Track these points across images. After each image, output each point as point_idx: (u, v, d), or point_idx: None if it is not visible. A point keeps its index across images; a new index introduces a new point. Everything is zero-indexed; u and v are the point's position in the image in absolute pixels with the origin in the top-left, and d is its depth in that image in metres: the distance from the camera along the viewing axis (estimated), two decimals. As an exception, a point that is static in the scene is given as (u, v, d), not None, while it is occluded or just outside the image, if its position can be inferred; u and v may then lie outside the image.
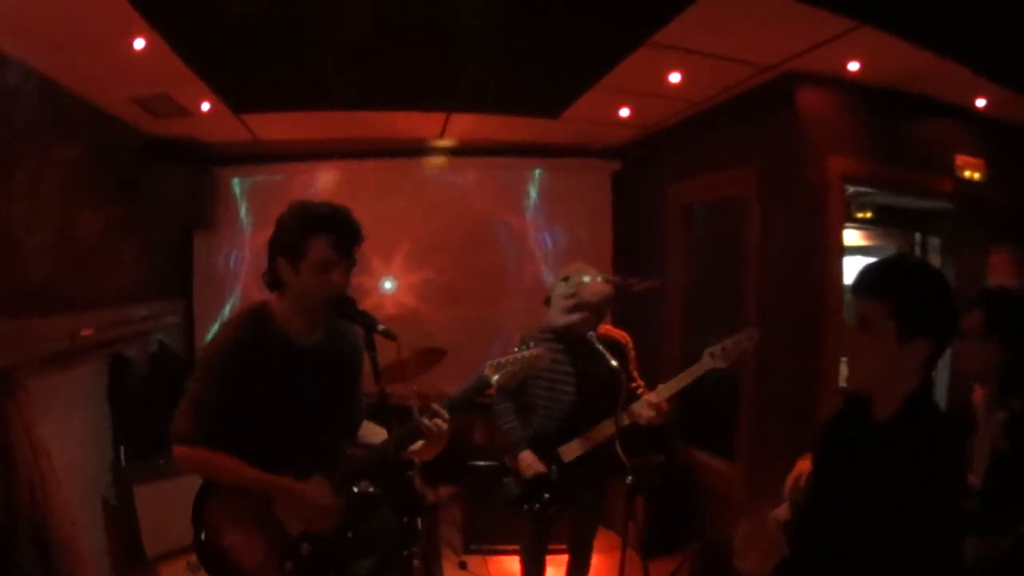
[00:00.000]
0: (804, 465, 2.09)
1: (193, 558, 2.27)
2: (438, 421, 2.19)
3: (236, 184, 5.34)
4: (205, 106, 4.07)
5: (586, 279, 3.08)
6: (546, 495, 3.11)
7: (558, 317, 3.10)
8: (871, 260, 1.77)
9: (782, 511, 2.10)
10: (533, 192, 5.54)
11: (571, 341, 3.10)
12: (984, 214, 4.25)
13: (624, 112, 4.43)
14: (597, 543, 3.44)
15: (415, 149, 5.32)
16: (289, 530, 2.16)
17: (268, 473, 2.11)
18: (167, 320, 4.95)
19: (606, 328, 3.25)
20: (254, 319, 2.18)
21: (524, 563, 3.37)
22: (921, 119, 3.87)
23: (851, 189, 4.10)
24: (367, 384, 2.31)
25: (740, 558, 2.31)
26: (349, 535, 2.23)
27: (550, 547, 3.37)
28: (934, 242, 5.05)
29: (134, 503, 3.95)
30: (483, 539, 4.45)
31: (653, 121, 4.72)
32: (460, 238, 5.47)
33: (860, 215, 4.88)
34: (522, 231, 5.53)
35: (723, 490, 4.17)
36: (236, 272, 5.38)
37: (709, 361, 2.92)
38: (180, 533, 2.37)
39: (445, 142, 5.25)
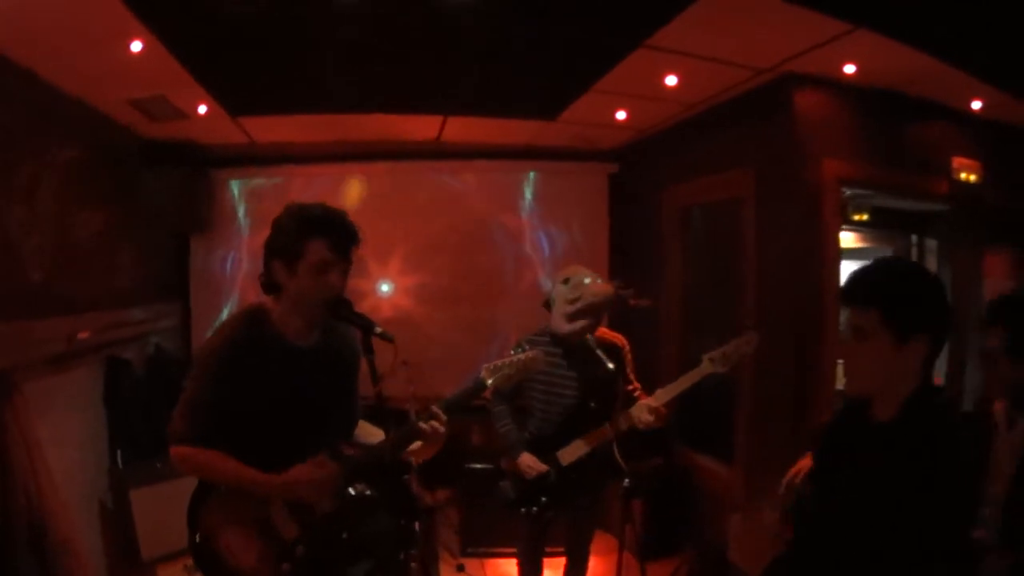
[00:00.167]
0: (804, 463, 2.08)
1: (190, 562, 2.26)
2: (435, 423, 2.19)
3: (234, 187, 5.34)
4: (202, 109, 4.07)
5: (587, 280, 3.08)
6: (543, 498, 3.11)
7: (562, 324, 3.08)
8: (867, 263, 1.76)
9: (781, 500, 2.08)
10: (530, 194, 5.54)
11: (569, 344, 3.10)
12: (980, 216, 4.25)
13: (621, 114, 4.43)
14: (594, 546, 3.44)
15: (412, 152, 5.32)
16: (284, 533, 2.15)
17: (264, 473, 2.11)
18: (164, 323, 4.94)
19: (602, 331, 3.25)
20: (251, 320, 2.18)
21: (521, 566, 3.37)
22: (918, 121, 3.88)
23: (848, 191, 4.11)
24: (364, 387, 2.31)
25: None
26: (345, 537, 2.22)
27: (547, 550, 3.37)
28: (931, 244, 5.07)
29: (131, 506, 3.93)
30: (480, 542, 4.45)
31: (650, 123, 4.73)
32: (457, 241, 5.46)
33: (857, 217, 4.88)
34: (519, 233, 5.52)
35: (721, 493, 4.17)
36: (233, 275, 5.37)
37: (708, 366, 2.92)
38: (177, 536, 2.35)
39: (442, 145, 5.25)
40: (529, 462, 3.08)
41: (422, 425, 2.18)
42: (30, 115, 3.33)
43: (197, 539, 2.14)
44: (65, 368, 3.67)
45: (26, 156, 3.30)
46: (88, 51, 3.12)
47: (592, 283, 3.07)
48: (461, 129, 4.87)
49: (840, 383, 3.36)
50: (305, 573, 2.15)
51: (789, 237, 3.68)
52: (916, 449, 1.58)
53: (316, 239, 2.08)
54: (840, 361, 2.81)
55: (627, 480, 2.82)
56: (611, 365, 2.84)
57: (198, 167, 4.95)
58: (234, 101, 4.04)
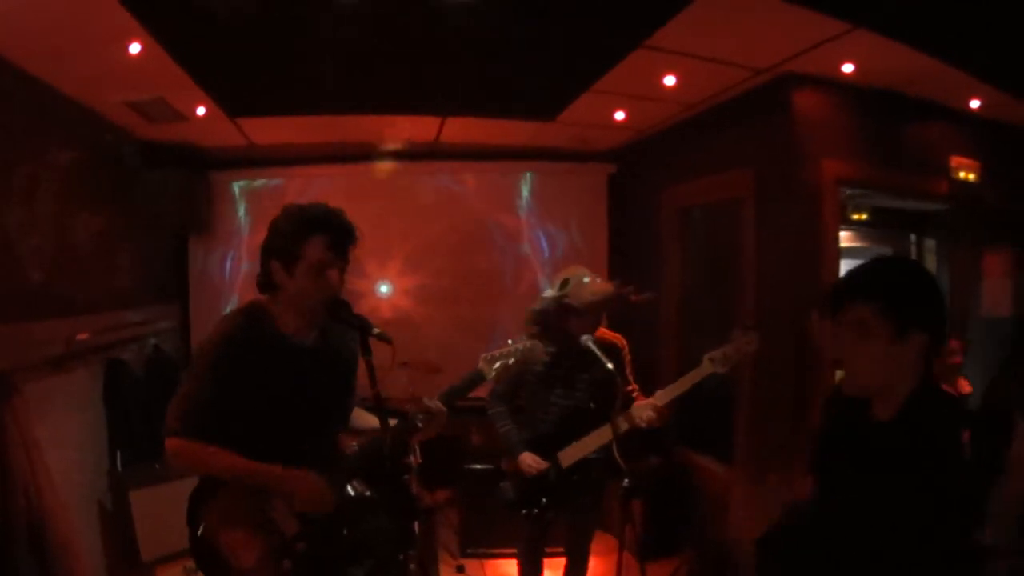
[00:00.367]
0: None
1: (190, 563, 2.26)
2: (435, 402, 2.23)
3: (233, 188, 5.34)
4: (201, 110, 4.07)
5: (586, 280, 3.07)
6: (543, 499, 3.11)
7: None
8: (862, 262, 1.76)
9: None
10: (529, 195, 5.54)
11: (567, 344, 3.10)
12: (979, 215, 4.26)
13: (620, 115, 4.43)
14: (594, 546, 3.44)
15: (410, 153, 5.32)
16: (285, 530, 2.15)
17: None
18: (163, 324, 4.93)
19: (602, 331, 3.24)
20: (250, 317, 2.18)
21: (521, 566, 3.37)
22: (916, 121, 3.88)
23: (847, 191, 4.12)
24: (363, 389, 2.31)
25: None
26: (345, 534, 2.22)
27: (547, 550, 3.36)
28: (930, 244, 5.07)
29: (130, 507, 3.93)
30: (480, 543, 4.44)
31: (649, 124, 4.73)
32: (456, 242, 5.46)
33: (856, 217, 4.89)
34: (518, 234, 5.53)
35: (721, 493, 4.16)
36: (232, 276, 5.37)
37: (709, 366, 2.92)
38: (177, 537, 2.36)
39: (441, 145, 5.25)
40: (530, 460, 3.07)
41: (421, 418, 2.20)
42: (29, 117, 3.33)
43: (197, 537, 2.14)
44: (64, 369, 3.67)
45: (25, 157, 3.30)
46: (87, 53, 3.12)
47: (592, 282, 3.06)
48: (460, 130, 4.87)
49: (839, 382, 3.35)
50: (305, 571, 2.15)
51: (789, 237, 3.68)
52: (917, 449, 1.57)
53: (314, 238, 2.09)
54: (839, 372, 2.77)
55: (627, 480, 2.81)
56: (610, 365, 2.84)
57: (197, 169, 4.95)
58: (232, 103, 4.04)
